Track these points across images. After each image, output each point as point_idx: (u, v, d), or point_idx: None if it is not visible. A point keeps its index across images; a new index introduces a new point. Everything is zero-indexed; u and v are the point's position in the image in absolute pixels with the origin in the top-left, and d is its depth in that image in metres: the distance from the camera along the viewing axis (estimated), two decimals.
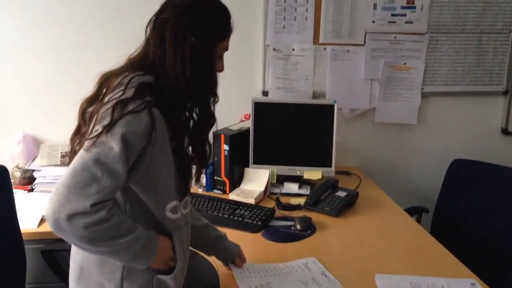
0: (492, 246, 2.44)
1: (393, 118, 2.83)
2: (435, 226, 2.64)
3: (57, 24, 2.52)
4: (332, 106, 2.42)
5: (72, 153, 1.30)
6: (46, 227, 1.96)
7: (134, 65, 1.31)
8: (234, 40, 2.77)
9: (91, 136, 1.16)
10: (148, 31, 1.31)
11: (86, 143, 1.15)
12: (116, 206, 1.24)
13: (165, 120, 1.24)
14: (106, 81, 1.31)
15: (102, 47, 2.55)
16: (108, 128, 1.15)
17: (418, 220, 2.54)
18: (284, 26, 2.64)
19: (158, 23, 1.29)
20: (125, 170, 1.16)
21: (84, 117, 1.30)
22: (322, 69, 2.72)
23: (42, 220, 2.02)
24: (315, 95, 2.74)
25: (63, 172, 1.14)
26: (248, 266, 1.65)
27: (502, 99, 2.89)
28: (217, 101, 1.39)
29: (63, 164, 2.39)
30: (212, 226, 1.68)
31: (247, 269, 1.63)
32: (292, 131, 2.47)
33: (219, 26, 1.34)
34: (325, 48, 2.69)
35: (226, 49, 1.41)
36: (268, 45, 2.66)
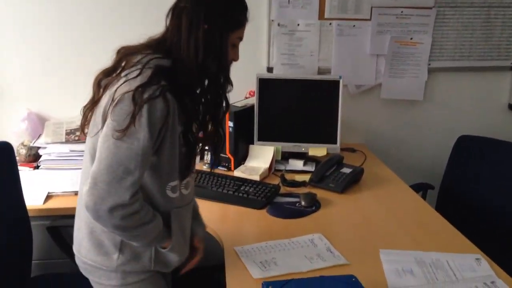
0: (497, 222, 2.43)
1: (399, 94, 2.80)
2: (441, 202, 2.64)
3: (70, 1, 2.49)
4: (337, 82, 2.40)
5: (85, 119, 1.40)
6: (52, 204, 2.00)
7: (154, 47, 1.37)
8: None
9: (116, 123, 1.23)
10: (168, 19, 1.38)
11: (115, 132, 1.22)
12: None
13: (177, 103, 1.31)
14: (125, 56, 1.38)
15: (109, 24, 2.52)
16: (134, 118, 1.22)
17: (424, 197, 2.54)
18: (289, 1, 2.60)
19: (176, 11, 1.36)
20: (151, 156, 1.28)
21: (99, 87, 1.38)
22: (327, 44, 2.68)
23: (48, 197, 2.03)
24: (320, 71, 2.72)
25: (97, 163, 1.24)
26: (253, 245, 1.65)
27: (510, 74, 2.86)
28: (231, 90, 1.45)
29: (68, 141, 2.39)
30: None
31: (252, 248, 1.64)
32: (297, 107, 2.45)
33: (234, 16, 1.39)
34: (330, 23, 2.66)
35: (241, 38, 1.45)
36: (272, 20, 2.62)
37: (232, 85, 1.45)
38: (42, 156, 2.34)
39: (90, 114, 1.39)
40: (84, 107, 1.42)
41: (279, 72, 2.68)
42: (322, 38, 2.67)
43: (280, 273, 1.49)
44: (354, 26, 2.66)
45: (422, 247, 1.65)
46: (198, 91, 1.39)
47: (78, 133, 2.41)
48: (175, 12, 1.36)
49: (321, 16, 2.64)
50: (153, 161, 1.33)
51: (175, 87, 1.31)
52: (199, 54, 1.32)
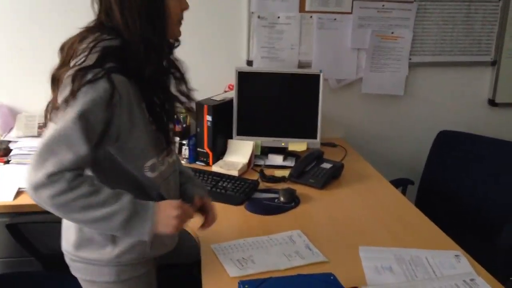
0: (476, 217, 2.44)
1: (380, 89, 2.78)
2: (420, 197, 2.64)
3: None
4: (318, 76, 2.36)
5: (46, 120, 1.29)
6: (22, 200, 1.92)
7: (97, 29, 1.31)
8: (218, 7, 2.70)
9: (56, 106, 1.20)
10: None
11: (53, 116, 1.20)
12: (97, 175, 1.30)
13: (131, 82, 1.25)
14: (70, 47, 1.30)
15: (86, 15, 2.44)
16: (68, 101, 1.17)
17: (404, 192, 2.53)
18: None
19: None
20: (85, 141, 1.18)
21: (53, 84, 1.30)
22: (308, 38, 2.65)
23: (18, 193, 1.96)
24: (301, 65, 2.68)
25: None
26: (230, 243, 1.61)
27: (490, 69, 2.86)
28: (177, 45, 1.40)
29: (40, 135, 2.32)
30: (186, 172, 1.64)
31: (229, 245, 1.60)
32: (277, 101, 2.42)
33: None
34: (311, 16, 2.62)
35: (185, 8, 1.37)
36: (252, 12, 2.57)
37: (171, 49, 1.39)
38: (13, 150, 2.26)
39: (49, 114, 1.28)
40: (46, 107, 1.32)
41: (259, 66, 2.63)
42: (303, 31, 2.63)
43: (258, 271, 1.45)
44: (335, 19, 2.63)
45: (402, 244, 1.63)
46: (149, 65, 1.28)
47: None
48: None
49: (301, 8, 2.60)
50: (118, 146, 1.28)
51: (126, 66, 1.24)
52: (137, 23, 1.24)
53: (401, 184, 2.54)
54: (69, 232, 1.41)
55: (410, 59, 2.75)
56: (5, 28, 2.43)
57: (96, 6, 1.34)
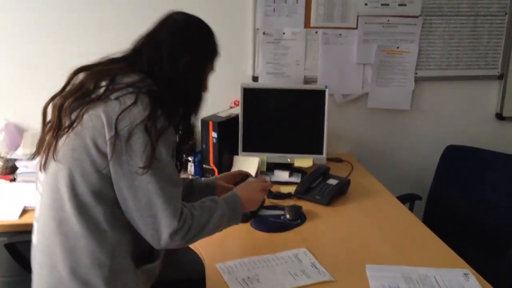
0: (485, 233, 2.41)
1: (386, 104, 2.77)
2: (428, 213, 2.61)
3: (44, 5, 2.43)
4: (323, 92, 2.36)
5: (47, 149, 1.33)
6: (28, 219, 1.91)
7: (137, 69, 1.36)
8: (223, 24, 2.71)
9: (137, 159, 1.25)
10: (142, 43, 1.41)
11: (138, 169, 1.24)
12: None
13: None
14: (102, 76, 1.34)
15: (90, 33, 2.47)
16: (154, 151, 1.24)
17: (411, 208, 2.50)
18: (274, 9, 2.56)
19: (154, 40, 1.39)
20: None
21: (65, 113, 1.31)
22: (313, 53, 2.65)
23: (24, 211, 1.96)
24: (306, 80, 2.68)
25: (131, 204, 1.27)
26: (235, 261, 1.60)
27: (497, 83, 2.84)
28: (196, 115, 1.50)
29: None
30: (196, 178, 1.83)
31: (234, 264, 1.58)
32: (283, 117, 2.41)
33: (209, 48, 1.46)
34: (316, 32, 2.62)
35: (213, 69, 1.52)
36: (258, 29, 2.58)
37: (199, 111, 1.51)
38: (19, 169, 2.26)
39: (62, 141, 1.30)
40: (42, 139, 1.37)
41: (265, 81, 2.63)
42: (308, 47, 2.64)
43: None
44: (340, 34, 2.63)
45: (409, 262, 1.61)
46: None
47: None
48: (153, 41, 1.39)
49: (307, 24, 2.60)
50: None
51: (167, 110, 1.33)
52: (182, 82, 1.37)
53: (408, 199, 2.51)
54: (56, 276, 1.30)
55: (416, 73, 2.73)
56: (12, 45, 2.45)
57: (141, 43, 1.42)
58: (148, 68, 1.36)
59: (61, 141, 1.30)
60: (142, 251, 1.39)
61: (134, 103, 1.25)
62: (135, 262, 1.36)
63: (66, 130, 1.30)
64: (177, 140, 1.43)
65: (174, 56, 1.36)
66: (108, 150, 1.24)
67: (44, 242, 1.33)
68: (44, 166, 1.35)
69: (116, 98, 1.26)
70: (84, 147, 1.26)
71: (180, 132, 1.44)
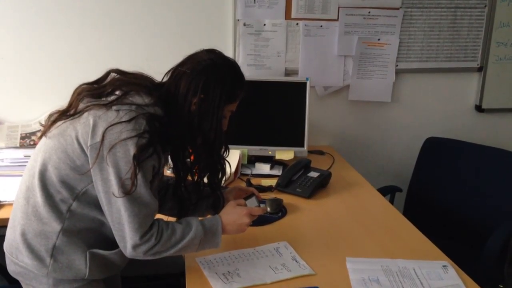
0: (465, 224, 2.43)
1: (367, 96, 2.77)
2: (409, 205, 2.63)
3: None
4: (304, 84, 2.35)
5: (50, 126, 1.41)
6: (4, 214, 1.87)
7: (152, 89, 1.42)
8: (203, 15, 2.67)
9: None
10: (167, 77, 1.46)
11: (118, 187, 1.30)
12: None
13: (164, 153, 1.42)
14: (121, 88, 1.40)
15: (68, 25, 2.42)
16: (135, 175, 1.29)
17: (392, 200, 2.52)
18: (254, 0, 2.54)
19: (176, 73, 1.43)
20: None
21: (78, 101, 1.40)
22: (294, 45, 2.64)
23: None
24: (287, 72, 2.67)
25: (111, 215, 1.33)
26: (215, 255, 1.59)
27: (476, 75, 2.86)
28: (228, 155, 1.58)
29: (22, 146, 2.28)
30: None
31: (214, 258, 1.57)
32: (264, 109, 2.39)
33: (230, 91, 1.45)
34: (297, 24, 2.61)
35: (232, 112, 1.53)
36: (238, 20, 2.56)
37: (228, 151, 1.58)
38: None
39: (58, 121, 1.41)
40: (53, 114, 1.43)
41: (246, 73, 2.59)
42: (289, 39, 2.62)
43: (243, 285, 1.43)
44: (321, 26, 2.62)
45: (389, 254, 1.62)
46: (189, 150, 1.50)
47: (34, 138, 2.29)
48: (175, 75, 1.43)
49: (287, 16, 2.59)
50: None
51: (166, 141, 1.39)
52: (194, 119, 1.40)
53: (389, 191, 2.53)
54: (12, 235, 1.43)
55: (397, 65, 2.74)
56: None
57: (167, 78, 1.47)
58: (165, 96, 1.41)
59: (59, 123, 1.40)
60: (100, 238, 1.43)
61: (129, 120, 1.30)
62: (88, 244, 1.41)
63: (67, 116, 1.39)
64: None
65: (189, 93, 1.39)
66: (89, 153, 1.31)
67: (14, 204, 1.47)
68: (40, 137, 1.46)
69: (117, 110, 1.33)
70: (70, 136, 1.35)
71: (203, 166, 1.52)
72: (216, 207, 1.63)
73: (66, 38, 2.42)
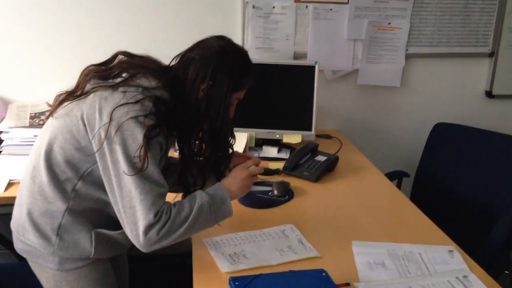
0: (472, 211, 2.43)
1: (376, 80, 2.75)
2: (416, 191, 2.62)
3: None
4: (313, 68, 2.34)
5: (58, 106, 1.41)
6: (13, 192, 1.89)
7: (159, 73, 1.41)
8: None
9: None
10: (175, 61, 1.45)
11: (125, 166, 1.28)
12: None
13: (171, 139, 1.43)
14: (128, 70, 1.40)
15: (79, 6, 2.41)
16: (141, 154, 1.27)
17: (399, 185, 2.52)
18: None
19: (185, 58, 1.43)
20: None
21: (86, 82, 1.40)
22: (303, 28, 2.61)
23: (9, 184, 1.94)
24: (296, 56, 2.65)
25: (114, 195, 1.31)
26: (222, 237, 1.60)
27: (487, 61, 2.83)
28: (234, 143, 1.57)
29: (31, 125, 2.29)
30: None
31: (221, 240, 1.58)
32: (272, 93, 2.39)
33: (239, 78, 1.44)
34: (307, 6, 2.58)
35: (240, 99, 1.52)
36: (247, 2, 2.54)
37: (235, 139, 1.57)
38: (4, 141, 2.23)
39: (65, 101, 1.41)
40: (61, 94, 1.43)
41: (254, 56, 2.56)
42: (298, 22, 2.60)
43: (249, 266, 1.44)
44: (331, 9, 2.60)
45: (395, 238, 1.62)
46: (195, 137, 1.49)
47: (43, 117, 2.30)
48: (184, 60, 1.43)
49: None
50: None
51: (172, 125, 1.38)
52: (201, 106, 1.39)
53: (396, 176, 2.53)
54: (19, 214, 1.44)
55: (407, 50, 2.72)
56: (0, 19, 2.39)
57: (176, 61, 1.45)
58: (173, 80, 1.40)
59: (66, 103, 1.40)
60: (105, 218, 1.44)
61: (135, 102, 1.30)
62: (94, 224, 1.42)
63: (74, 97, 1.39)
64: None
65: (197, 79, 1.38)
66: (97, 135, 1.31)
67: (21, 183, 1.48)
68: (48, 117, 1.46)
69: (123, 92, 1.33)
70: (75, 117, 1.34)
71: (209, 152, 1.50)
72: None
73: (77, 18, 2.42)
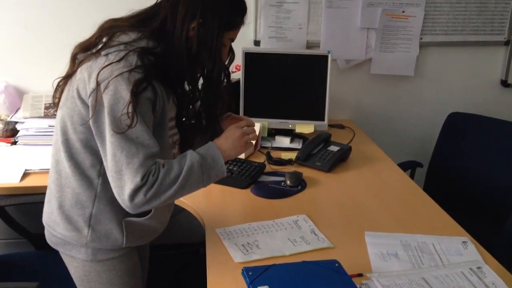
0: (486, 201, 2.41)
1: (390, 70, 2.73)
2: (429, 181, 2.61)
3: None
4: (326, 57, 2.32)
5: (60, 93, 1.40)
6: (29, 182, 1.93)
7: (142, 26, 1.36)
8: None
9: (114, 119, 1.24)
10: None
11: (112, 125, 1.23)
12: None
13: (165, 90, 1.34)
14: (107, 32, 1.35)
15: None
16: (128, 111, 1.23)
17: (412, 175, 2.50)
18: None
19: None
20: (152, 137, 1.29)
21: (75, 61, 1.37)
22: (316, 17, 2.59)
23: (25, 174, 1.96)
24: (309, 45, 2.63)
25: (106, 155, 1.27)
26: (235, 227, 1.61)
27: (503, 49, 2.79)
28: (226, 82, 1.50)
29: (46, 115, 2.31)
30: None
31: (234, 230, 1.59)
32: (285, 82, 2.38)
33: (230, 16, 1.38)
34: None
35: (232, 40, 1.45)
36: None
37: (230, 81, 1.51)
38: (19, 131, 2.26)
39: (64, 88, 1.39)
40: (58, 80, 1.41)
41: (267, 46, 2.59)
42: (311, 11, 2.58)
43: (262, 256, 1.45)
44: None
45: (409, 229, 1.62)
46: (189, 81, 1.41)
47: None
48: (171, 1, 1.34)
49: None
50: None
51: (163, 73, 1.32)
52: (193, 46, 1.33)
53: (410, 166, 2.51)
54: (49, 208, 1.45)
55: (421, 38, 2.68)
56: (10, 7, 2.40)
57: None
58: (160, 25, 1.34)
59: (64, 90, 1.39)
60: None
61: (119, 60, 1.26)
62: (123, 213, 1.38)
63: (67, 79, 1.37)
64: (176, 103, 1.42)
65: (187, 17, 1.32)
66: (90, 103, 1.28)
67: (49, 180, 1.46)
68: (56, 109, 1.45)
69: (106, 55, 1.29)
70: (72, 97, 1.33)
71: (203, 96, 1.44)
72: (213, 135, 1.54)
73: (92, 7, 2.42)
